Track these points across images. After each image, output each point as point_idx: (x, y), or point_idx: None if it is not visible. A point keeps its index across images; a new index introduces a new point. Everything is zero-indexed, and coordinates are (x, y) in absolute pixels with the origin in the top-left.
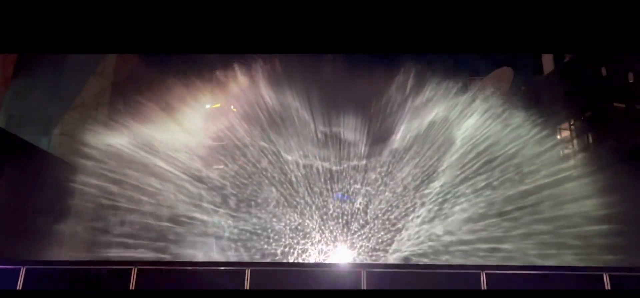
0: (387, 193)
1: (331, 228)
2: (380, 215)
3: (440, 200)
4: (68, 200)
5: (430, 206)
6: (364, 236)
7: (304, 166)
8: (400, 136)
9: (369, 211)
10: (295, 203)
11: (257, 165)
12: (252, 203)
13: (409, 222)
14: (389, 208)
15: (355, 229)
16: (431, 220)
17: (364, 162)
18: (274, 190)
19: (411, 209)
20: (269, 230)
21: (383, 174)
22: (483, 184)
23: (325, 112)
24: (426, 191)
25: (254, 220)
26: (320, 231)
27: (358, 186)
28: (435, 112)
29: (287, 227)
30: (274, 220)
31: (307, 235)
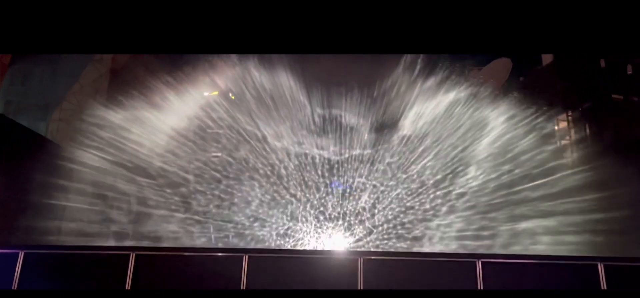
0: (399, 190)
1: (330, 232)
2: (391, 218)
3: (477, 203)
4: (65, 186)
5: (465, 213)
6: (371, 245)
7: (297, 156)
8: (411, 120)
9: (376, 211)
10: (284, 201)
11: (232, 154)
12: (226, 202)
13: (433, 230)
14: (403, 210)
15: (360, 235)
16: (479, 238)
17: (369, 151)
18: (257, 185)
19: (432, 212)
20: (249, 238)
21: (393, 166)
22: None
23: (324, 92)
24: (452, 189)
25: (229, 226)
26: (316, 236)
27: (363, 179)
28: (452, 95)
29: (273, 232)
30: (256, 224)
31: (299, 243)
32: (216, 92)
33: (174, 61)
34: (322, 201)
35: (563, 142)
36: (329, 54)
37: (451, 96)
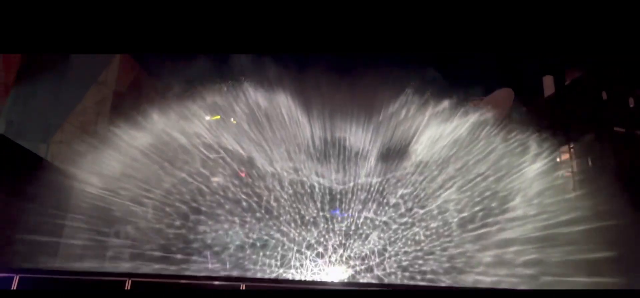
0: (415, 229)
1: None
2: (406, 264)
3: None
4: (63, 209)
5: (525, 271)
6: None
7: (292, 184)
8: (425, 145)
9: (387, 255)
10: (273, 242)
11: (207, 181)
12: (195, 244)
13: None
14: (421, 255)
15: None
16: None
17: (377, 180)
18: (237, 221)
19: (463, 261)
20: None
21: (407, 199)
22: None
23: (326, 112)
24: (487, 232)
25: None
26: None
27: (370, 215)
28: (475, 116)
29: None
30: (234, 273)
31: None
32: (218, 117)
33: (183, 83)
34: (322, 241)
35: (565, 174)
36: (331, 75)
37: (473, 117)
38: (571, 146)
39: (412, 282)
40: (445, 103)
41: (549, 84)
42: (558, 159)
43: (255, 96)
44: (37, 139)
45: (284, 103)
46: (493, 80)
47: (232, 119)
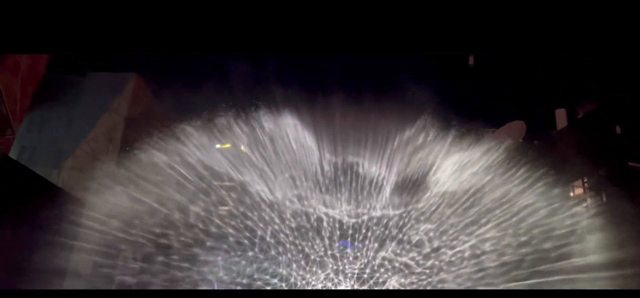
0: (442, 275)
1: None
2: None
3: None
4: (73, 234)
5: None
6: None
7: (295, 216)
8: (451, 173)
9: None
10: (268, 289)
11: (185, 210)
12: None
13: None
14: None
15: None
16: None
17: (395, 212)
18: (220, 262)
19: None
20: None
21: (432, 236)
22: None
23: (338, 136)
24: (538, 281)
25: None
26: None
27: (388, 254)
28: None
29: None
30: None
31: None
32: (229, 145)
33: (194, 110)
34: (330, 286)
35: (579, 208)
36: (342, 101)
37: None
38: (585, 180)
39: None
40: (469, 126)
41: (561, 117)
42: (571, 194)
43: (261, 119)
44: (50, 165)
45: (290, 123)
46: (506, 112)
47: (242, 147)
